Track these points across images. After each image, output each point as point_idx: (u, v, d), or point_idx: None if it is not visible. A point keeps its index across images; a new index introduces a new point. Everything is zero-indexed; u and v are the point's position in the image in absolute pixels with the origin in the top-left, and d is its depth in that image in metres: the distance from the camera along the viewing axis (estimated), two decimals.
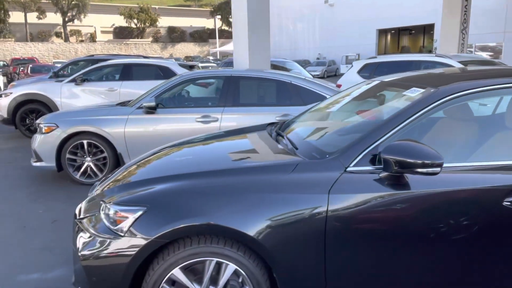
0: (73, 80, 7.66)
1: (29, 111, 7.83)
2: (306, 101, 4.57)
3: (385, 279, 1.89)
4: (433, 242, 1.85)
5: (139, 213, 1.85)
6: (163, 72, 7.74)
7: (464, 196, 1.85)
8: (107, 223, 1.94)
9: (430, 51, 25.36)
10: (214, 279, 1.88)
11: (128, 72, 7.70)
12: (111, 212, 1.94)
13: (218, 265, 1.86)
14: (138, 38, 51.74)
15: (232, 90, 4.66)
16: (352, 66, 7.58)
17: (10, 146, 7.36)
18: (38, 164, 4.73)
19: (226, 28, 52.91)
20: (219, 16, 50.15)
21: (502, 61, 20.63)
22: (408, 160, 1.73)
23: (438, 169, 1.71)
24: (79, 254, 1.94)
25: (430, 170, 1.72)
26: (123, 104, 5.02)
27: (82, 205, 2.29)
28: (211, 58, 39.06)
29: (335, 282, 1.89)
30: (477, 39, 20.76)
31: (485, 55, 21.54)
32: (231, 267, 1.86)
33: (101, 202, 2.07)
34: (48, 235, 3.43)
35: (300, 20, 34.12)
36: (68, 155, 4.69)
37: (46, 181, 4.99)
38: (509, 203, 1.84)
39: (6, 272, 2.83)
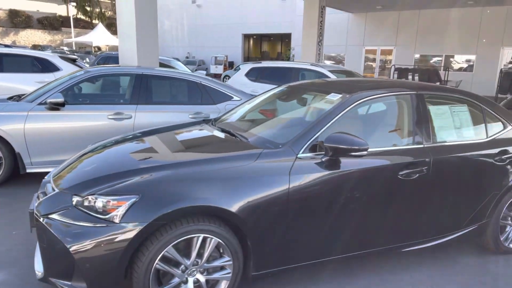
0: None
1: None
2: (215, 100, 4.99)
3: (329, 240, 2.50)
4: (358, 206, 2.54)
5: (133, 200, 2.03)
6: (41, 65, 7.06)
7: (375, 172, 2.59)
8: (93, 214, 2.04)
9: (288, 58, 28.30)
10: (200, 253, 2.19)
11: None
12: (99, 203, 2.05)
13: (204, 240, 2.18)
14: None
15: (144, 88, 4.74)
16: (239, 69, 8.27)
17: None
18: None
19: (83, 17, 48.36)
20: (74, 3, 45.51)
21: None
22: (343, 147, 2.37)
23: (365, 152, 2.40)
24: (68, 246, 1.99)
25: (359, 153, 2.38)
26: (13, 98, 4.57)
27: (41, 201, 2.27)
28: (65, 48, 35.29)
29: (295, 243, 2.41)
30: (325, 50, 24.17)
31: (329, 63, 25.28)
32: (215, 240, 2.19)
33: (75, 195, 2.14)
34: None
35: (168, 18, 33.80)
36: None
37: None
38: (401, 176, 2.65)
39: None
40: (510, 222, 3.32)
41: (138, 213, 2.01)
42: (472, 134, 3.10)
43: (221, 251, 2.26)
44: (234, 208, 2.17)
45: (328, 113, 2.63)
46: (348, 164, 2.50)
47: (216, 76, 25.93)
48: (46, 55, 7.22)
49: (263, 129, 2.91)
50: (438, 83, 13.29)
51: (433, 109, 2.98)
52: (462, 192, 2.96)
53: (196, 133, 2.98)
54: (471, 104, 3.19)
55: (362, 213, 2.57)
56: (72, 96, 4.52)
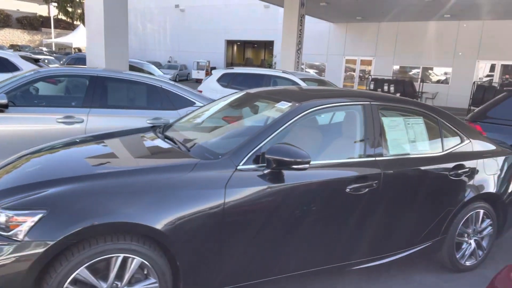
0: None
1: None
2: (176, 105, 4.78)
3: (270, 259, 2.33)
4: (302, 222, 2.38)
5: (39, 216, 1.81)
6: (0, 64, 6.74)
7: (321, 185, 2.43)
8: None
9: (270, 65, 28.36)
10: (120, 274, 1.98)
11: None
12: (2, 217, 1.82)
13: (124, 260, 1.97)
14: None
15: (99, 90, 4.51)
16: (211, 74, 8.09)
17: None
18: None
19: (64, 17, 47.49)
20: (55, 4, 44.69)
21: (325, 77, 24.66)
22: (285, 159, 2.21)
23: (307, 165, 2.24)
24: None
25: (301, 166, 2.23)
26: None
27: None
28: (44, 49, 34.52)
29: (232, 263, 2.22)
30: (307, 58, 24.28)
31: (312, 71, 25.39)
32: (137, 260, 1.99)
33: None
34: None
35: (150, 21, 33.43)
36: None
37: None
38: (349, 190, 2.51)
39: None
40: (466, 239, 3.21)
41: (45, 230, 1.80)
42: (427, 147, 3.00)
43: (146, 272, 2.05)
44: (160, 225, 1.97)
45: (275, 122, 2.47)
46: (292, 177, 2.34)
47: (198, 81, 25.72)
48: (6, 54, 6.90)
49: (207, 138, 2.73)
50: (413, 94, 13.42)
51: (386, 121, 2.86)
52: (415, 207, 2.84)
53: (135, 141, 2.78)
54: (427, 117, 3.09)
55: (307, 230, 2.41)
56: (19, 98, 4.25)
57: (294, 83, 7.06)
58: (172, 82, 5.14)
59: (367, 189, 2.58)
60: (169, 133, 2.89)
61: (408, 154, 2.87)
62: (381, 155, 2.72)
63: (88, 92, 4.46)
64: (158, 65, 30.56)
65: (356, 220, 2.58)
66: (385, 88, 13.46)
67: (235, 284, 2.30)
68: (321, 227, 2.46)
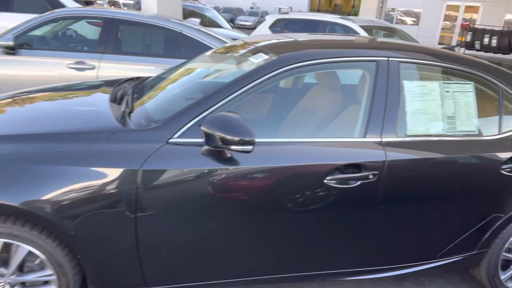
0: None
1: None
2: (197, 54, 4.25)
3: (200, 259, 1.80)
4: (252, 221, 1.78)
5: None
6: (52, 5, 6.76)
7: (287, 172, 1.77)
8: None
9: (356, 13, 25.85)
10: (5, 261, 1.64)
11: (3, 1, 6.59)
12: None
13: (7, 246, 1.61)
14: None
15: (113, 34, 4.15)
16: (265, 20, 7.30)
17: None
18: None
19: None
20: None
21: (420, 26, 21.69)
22: (220, 134, 1.59)
23: (250, 147, 1.59)
24: None
25: (239, 148, 1.59)
26: None
27: None
28: None
29: (151, 267, 1.75)
30: (398, 3, 21.50)
31: (408, 19, 22.50)
32: (23, 248, 1.62)
33: None
34: None
35: None
36: None
37: None
38: (329, 181, 1.81)
39: None
40: None
41: None
42: (473, 127, 2.08)
43: (39, 262, 1.68)
44: (46, 210, 1.55)
45: (235, 81, 1.82)
46: (243, 159, 1.72)
47: None
48: None
49: (158, 99, 2.15)
50: None
51: (410, 85, 2.01)
52: (436, 211, 2.02)
53: (84, 98, 2.32)
54: (484, 82, 2.13)
55: (260, 233, 1.81)
56: (30, 40, 4.08)
57: (353, 31, 5.98)
58: (198, 28, 4.57)
59: (358, 182, 1.84)
60: (131, 91, 2.38)
61: (439, 135, 2.01)
62: (392, 134, 1.92)
63: (102, 36, 4.13)
64: (240, 11, 29.80)
65: (335, 222, 1.89)
66: (485, 41, 11.16)
67: (157, 286, 1.83)
68: (283, 231, 1.83)
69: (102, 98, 2.19)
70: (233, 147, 1.59)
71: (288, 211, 1.79)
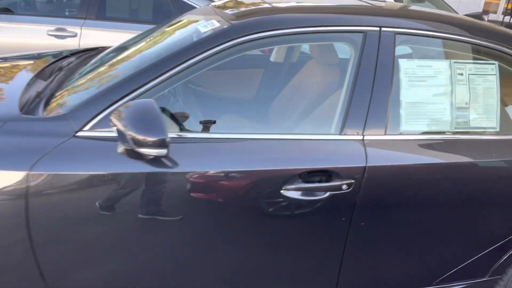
0: None
1: None
2: None
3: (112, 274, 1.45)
4: (177, 234, 1.39)
5: None
6: None
7: (230, 178, 1.36)
8: None
9: None
10: None
11: None
12: None
13: None
14: None
15: None
16: None
17: None
18: None
19: None
20: None
21: None
22: (135, 135, 1.19)
23: (164, 150, 1.18)
24: None
25: (146, 151, 1.19)
26: None
27: None
28: None
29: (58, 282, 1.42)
30: None
31: None
32: None
33: None
34: None
35: None
36: None
37: None
38: (288, 192, 1.38)
39: None
40: None
41: None
42: (493, 122, 1.57)
43: None
44: None
45: (168, 58, 1.39)
46: (176, 160, 1.32)
47: None
48: None
49: (88, 80, 1.73)
50: None
51: (408, 66, 1.50)
52: (434, 229, 1.56)
53: (21, 72, 1.94)
54: (510, 62, 1.59)
55: (189, 253, 1.43)
56: (8, 5, 3.74)
57: None
58: None
59: (327, 194, 1.40)
60: (66, 65, 1.98)
61: (445, 132, 1.52)
62: (378, 130, 1.45)
63: (84, 0, 3.73)
64: None
65: (292, 243, 1.47)
66: None
67: None
68: (223, 250, 1.44)
69: (27, 75, 1.81)
70: (143, 150, 1.18)
71: (237, 232, 1.39)
